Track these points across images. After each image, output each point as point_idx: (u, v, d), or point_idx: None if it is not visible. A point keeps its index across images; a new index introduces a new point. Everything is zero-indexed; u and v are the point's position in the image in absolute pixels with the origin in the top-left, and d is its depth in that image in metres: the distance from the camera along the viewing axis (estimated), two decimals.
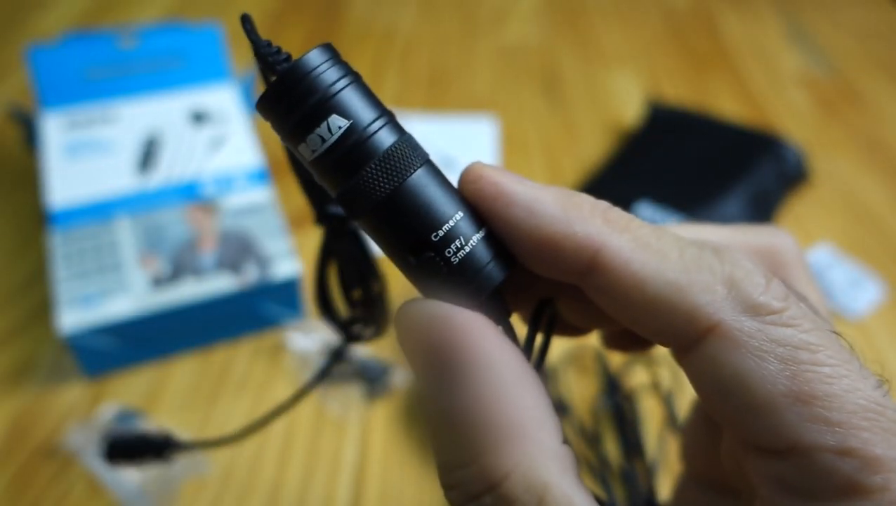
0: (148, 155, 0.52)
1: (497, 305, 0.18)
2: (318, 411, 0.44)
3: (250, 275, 0.46)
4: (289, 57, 0.17)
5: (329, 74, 0.16)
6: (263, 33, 0.83)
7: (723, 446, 0.19)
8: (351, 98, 0.17)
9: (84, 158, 0.50)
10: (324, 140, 0.16)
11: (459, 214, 0.17)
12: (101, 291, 0.44)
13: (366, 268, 0.23)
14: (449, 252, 0.17)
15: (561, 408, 0.44)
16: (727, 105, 0.75)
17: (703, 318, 0.15)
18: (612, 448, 0.43)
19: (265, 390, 0.46)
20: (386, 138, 0.17)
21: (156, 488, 0.39)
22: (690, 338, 0.15)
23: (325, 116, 0.16)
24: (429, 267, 0.17)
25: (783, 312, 0.15)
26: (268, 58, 0.16)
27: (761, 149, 0.60)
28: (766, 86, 0.79)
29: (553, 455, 0.15)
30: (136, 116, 0.54)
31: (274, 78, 0.16)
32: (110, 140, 0.52)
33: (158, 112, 0.54)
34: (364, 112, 0.17)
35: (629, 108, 0.74)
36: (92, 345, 0.43)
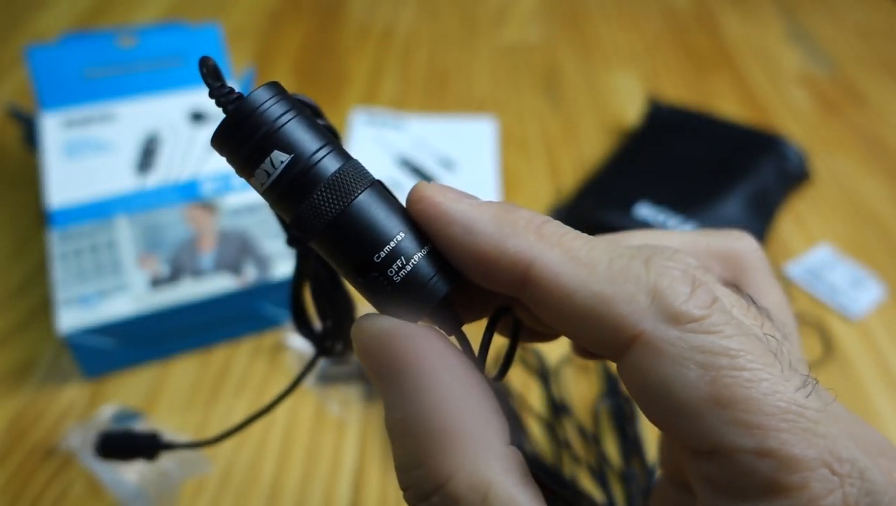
0: (147, 154, 0.51)
1: (447, 316, 0.19)
2: (318, 411, 0.44)
3: (249, 275, 0.46)
4: (240, 96, 0.18)
5: (272, 111, 0.17)
6: (263, 33, 0.83)
7: (675, 447, 0.20)
8: (292, 132, 0.18)
9: (83, 158, 0.50)
10: (268, 174, 0.18)
11: (401, 235, 0.18)
12: (100, 291, 0.44)
13: (333, 288, 0.25)
14: (391, 271, 0.18)
15: (561, 408, 0.44)
16: (728, 104, 0.75)
17: (626, 327, 0.16)
18: (612, 448, 0.42)
19: (265, 390, 0.46)
20: (329, 167, 0.18)
21: (155, 488, 0.39)
22: (618, 347, 0.16)
23: (268, 152, 0.17)
24: (374, 285, 0.18)
25: (704, 320, 0.15)
26: (220, 98, 0.18)
27: (762, 148, 0.60)
28: (766, 85, 0.79)
29: (497, 456, 0.16)
30: (135, 116, 0.53)
31: (224, 117, 0.18)
32: (109, 140, 0.52)
33: (158, 112, 0.54)
34: (306, 144, 0.18)
35: (630, 108, 0.74)
36: (91, 345, 0.43)
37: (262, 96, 0.18)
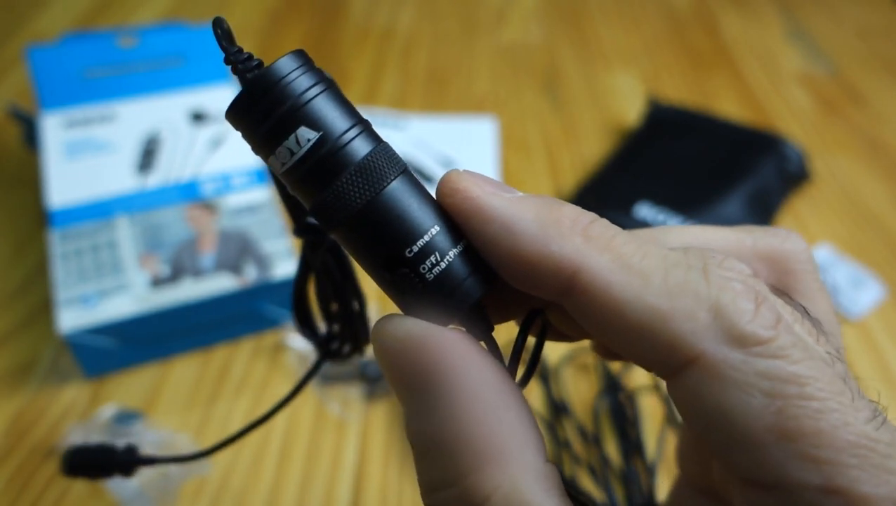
0: (147, 155, 0.51)
1: (478, 320, 0.18)
2: (318, 411, 0.44)
3: (250, 275, 0.46)
4: (260, 64, 0.16)
5: (299, 83, 0.16)
6: (263, 33, 0.82)
7: (714, 464, 0.19)
8: (321, 108, 0.16)
9: (84, 158, 0.50)
10: (293, 153, 0.16)
11: (436, 228, 0.17)
12: (100, 291, 0.44)
13: (343, 284, 0.23)
14: (424, 268, 0.16)
15: (561, 408, 0.44)
16: (728, 104, 0.75)
17: (685, 348, 0.14)
18: (612, 448, 0.42)
19: (265, 390, 0.46)
20: (360, 149, 0.16)
21: (155, 488, 0.39)
22: (672, 367, 0.15)
23: (294, 128, 0.16)
24: (404, 283, 0.16)
25: (771, 342, 0.14)
26: (238, 65, 0.16)
27: (762, 148, 0.60)
28: (766, 85, 0.79)
29: (536, 475, 0.15)
30: (135, 116, 0.53)
31: (243, 86, 0.16)
32: (110, 140, 0.52)
33: (158, 112, 0.54)
34: (336, 122, 0.16)
35: (630, 108, 0.74)
36: (91, 345, 0.43)
37: (288, 65, 0.16)
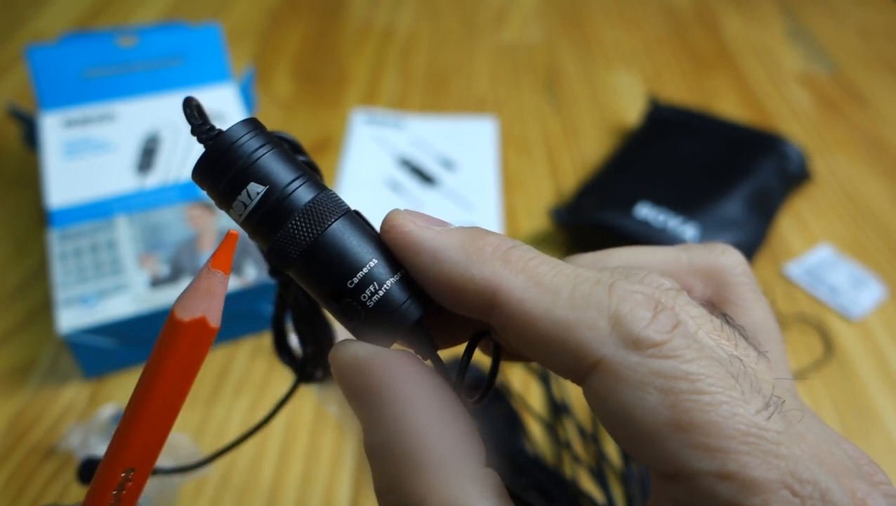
0: (147, 154, 0.51)
1: (421, 341, 0.19)
2: (318, 411, 0.44)
3: (249, 275, 0.46)
4: (219, 133, 0.18)
5: (248, 146, 0.18)
6: (263, 33, 0.82)
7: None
8: (267, 165, 0.18)
9: (83, 158, 0.50)
10: (245, 205, 0.18)
11: (374, 261, 0.18)
12: (100, 291, 0.44)
13: (313, 316, 0.25)
14: (364, 297, 0.18)
15: (561, 408, 0.44)
16: (728, 104, 0.75)
17: (588, 354, 0.16)
18: (611, 448, 0.42)
19: (264, 391, 0.46)
20: (303, 197, 0.18)
21: (155, 488, 0.39)
22: (581, 372, 0.16)
23: (244, 184, 0.18)
24: (349, 311, 0.18)
25: (664, 345, 0.15)
26: (201, 135, 0.18)
27: (763, 148, 0.60)
28: (767, 85, 0.79)
29: (471, 479, 0.16)
30: (135, 116, 0.53)
31: (203, 152, 0.18)
32: (109, 140, 0.52)
33: (158, 112, 0.54)
34: (280, 176, 0.18)
35: (630, 108, 0.73)
36: (91, 345, 0.43)
37: (239, 132, 0.18)
